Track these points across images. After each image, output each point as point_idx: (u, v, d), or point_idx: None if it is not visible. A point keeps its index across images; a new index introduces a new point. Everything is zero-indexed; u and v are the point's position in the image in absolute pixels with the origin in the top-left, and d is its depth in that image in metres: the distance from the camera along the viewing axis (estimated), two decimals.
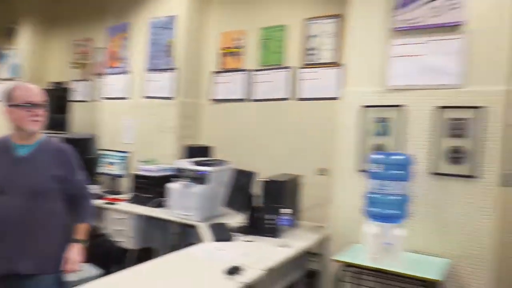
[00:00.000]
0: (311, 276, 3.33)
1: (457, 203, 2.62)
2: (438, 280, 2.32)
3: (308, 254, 3.21)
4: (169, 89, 4.50)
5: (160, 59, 4.60)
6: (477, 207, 2.58)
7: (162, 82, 4.57)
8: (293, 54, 4.08)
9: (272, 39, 4.21)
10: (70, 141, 4.79)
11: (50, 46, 6.39)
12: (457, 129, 2.56)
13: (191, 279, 2.07)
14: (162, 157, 4.26)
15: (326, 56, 3.87)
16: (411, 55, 2.66)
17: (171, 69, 4.49)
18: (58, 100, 5.37)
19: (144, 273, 2.11)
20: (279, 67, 4.14)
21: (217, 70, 4.54)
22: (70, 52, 5.97)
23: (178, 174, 3.44)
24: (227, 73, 4.48)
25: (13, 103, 1.91)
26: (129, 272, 2.10)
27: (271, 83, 4.19)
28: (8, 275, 1.87)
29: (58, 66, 6.27)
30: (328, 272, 3.00)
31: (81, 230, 2.09)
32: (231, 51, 4.48)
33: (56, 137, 4.97)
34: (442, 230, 2.66)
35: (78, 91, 5.63)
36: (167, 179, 3.61)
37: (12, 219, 1.87)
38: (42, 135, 2.04)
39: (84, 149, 4.75)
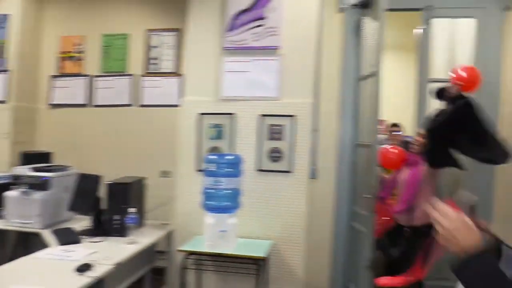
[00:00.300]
0: (160, 273, 3.61)
1: (278, 194, 3.19)
2: (263, 257, 2.83)
3: (156, 253, 3.48)
4: (1, 92, 4.24)
5: None
6: (293, 196, 3.19)
7: None
8: (135, 62, 4.28)
9: (114, 47, 4.34)
10: None
11: None
12: (275, 133, 3.13)
13: (41, 280, 2.15)
14: None
15: (167, 66, 4.19)
16: (239, 71, 3.15)
17: (3, 70, 4.25)
18: None
19: None
20: (121, 74, 4.29)
21: (56, 74, 4.45)
22: None
23: (16, 182, 3.33)
24: (67, 78, 4.43)
25: None
26: None
27: (114, 89, 4.31)
28: None
29: None
30: (174, 265, 3.29)
31: None
32: (71, 56, 4.45)
33: None
34: (267, 217, 3.20)
35: None
36: (3, 187, 3.45)
37: None
38: None
39: None
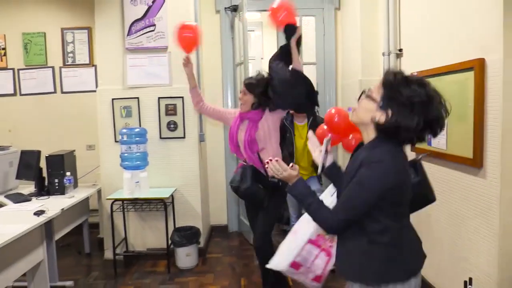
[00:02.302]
0: (95, 227, 4.74)
1: (176, 154, 4.38)
2: (167, 197, 4.04)
3: (90, 210, 4.56)
4: None
5: None
6: (187, 155, 4.39)
7: None
8: (55, 56, 5.15)
9: (34, 43, 5.15)
10: None
11: None
12: (171, 110, 4.29)
13: (11, 221, 3.15)
14: None
15: (82, 58, 5.11)
16: (139, 65, 4.22)
17: None
18: None
19: None
20: (43, 66, 5.15)
21: None
22: None
23: None
24: None
25: None
26: None
27: (36, 79, 5.17)
28: None
29: None
30: (105, 214, 4.37)
31: None
32: None
33: None
34: (169, 171, 4.39)
35: None
36: None
37: None
38: None
39: None
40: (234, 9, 4.81)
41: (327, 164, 1.94)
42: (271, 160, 1.75)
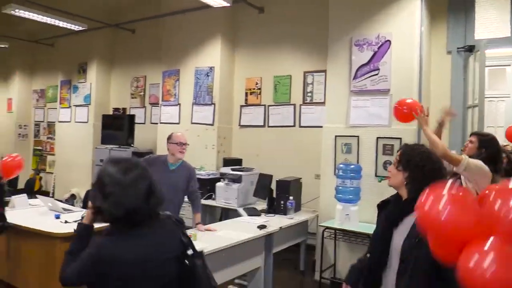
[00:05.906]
0: (312, 249, 5.24)
1: (388, 192, 4.46)
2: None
3: (308, 233, 5.11)
4: (210, 118, 6.44)
5: (203, 97, 6.54)
6: None
7: (204, 113, 6.51)
8: (296, 95, 6.00)
9: (281, 84, 6.14)
10: (136, 153, 6.75)
11: (112, 80, 8.46)
12: (387, 150, 4.44)
13: (240, 230, 3.94)
14: (206, 166, 6.18)
15: (318, 97, 5.79)
16: (362, 106, 4.56)
17: (211, 104, 6.44)
18: (125, 123, 7.41)
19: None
20: (286, 103, 6.07)
21: (243, 104, 6.48)
22: (129, 86, 8.02)
23: (222, 177, 5.35)
24: (250, 107, 6.42)
25: (171, 141, 3.80)
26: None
27: (281, 114, 6.11)
28: None
29: (119, 96, 8.31)
30: (319, 237, 4.83)
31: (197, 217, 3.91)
32: (252, 91, 6.41)
33: (125, 151, 6.90)
34: None
35: (137, 116, 7.65)
36: (213, 180, 5.53)
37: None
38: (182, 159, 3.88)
39: None
40: (469, 49, 4.62)
41: None
42: None
